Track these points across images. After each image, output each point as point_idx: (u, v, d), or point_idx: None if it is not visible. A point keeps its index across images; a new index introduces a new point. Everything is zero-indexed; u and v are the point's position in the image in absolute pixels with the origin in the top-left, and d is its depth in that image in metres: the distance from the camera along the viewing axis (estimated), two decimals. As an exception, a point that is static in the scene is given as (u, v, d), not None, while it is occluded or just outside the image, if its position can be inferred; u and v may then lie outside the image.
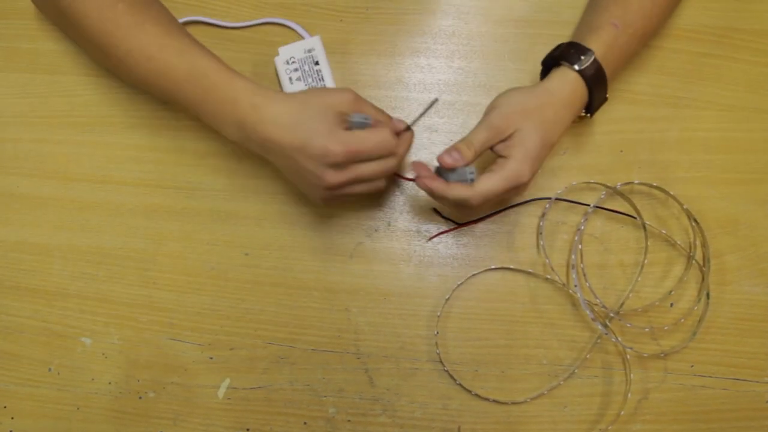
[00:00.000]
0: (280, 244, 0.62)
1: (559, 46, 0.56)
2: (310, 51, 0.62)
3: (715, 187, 0.62)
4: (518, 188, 0.53)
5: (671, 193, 0.61)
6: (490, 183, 0.52)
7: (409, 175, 0.59)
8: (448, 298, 0.60)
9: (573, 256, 0.60)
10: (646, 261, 0.60)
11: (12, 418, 0.60)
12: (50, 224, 0.63)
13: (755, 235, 0.62)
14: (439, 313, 0.60)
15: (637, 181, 0.61)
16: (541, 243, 0.61)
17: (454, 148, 0.53)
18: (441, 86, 0.65)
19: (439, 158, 0.53)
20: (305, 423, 0.59)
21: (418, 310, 0.61)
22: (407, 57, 0.65)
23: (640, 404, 0.59)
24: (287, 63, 0.62)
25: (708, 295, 0.60)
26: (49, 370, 0.60)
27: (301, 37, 0.64)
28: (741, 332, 0.60)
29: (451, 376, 0.59)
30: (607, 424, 0.59)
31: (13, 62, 0.65)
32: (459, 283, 0.61)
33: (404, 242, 0.62)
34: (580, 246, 0.61)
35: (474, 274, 0.61)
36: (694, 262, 0.60)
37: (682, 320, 0.60)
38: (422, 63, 0.65)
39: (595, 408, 0.59)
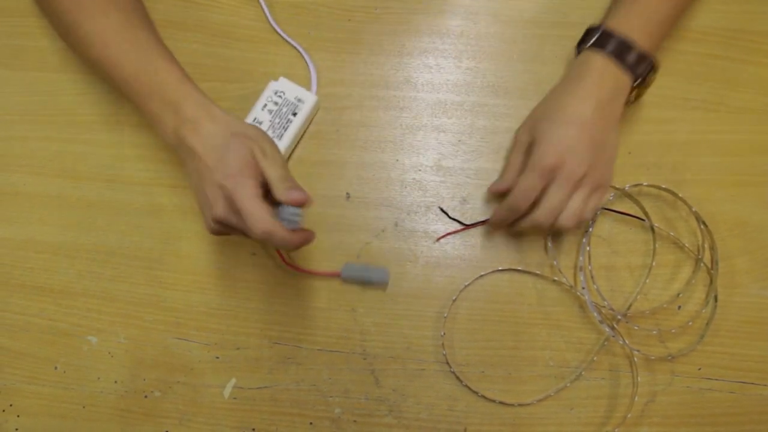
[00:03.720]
0: (286, 244, 0.62)
1: None
2: (300, 101, 0.61)
3: (723, 189, 0.62)
4: (560, 174, 0.53)
5: (680, 195, 0.60)
6: (519, 177, 0.54)
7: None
8: (455, 299, 0.60)
9: (581, 258, 0.60)
10: (654, 263, 0.60)
11: (18, 416, 0.60)
12: (57, 223, 0.62)
13: (764, 238, 0.61)
14: (445, 314, 0.60)
15: (645, 183, 0.61)
16: (549, 245, 0.61)
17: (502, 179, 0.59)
18: (449, 86, 0.65)
19: (489, 187, 0.61)
20: (311, 423, 0.59)
21: (424, 311, 0.60)
22: (415, 57, 0.65)
23: (647, 407, 0.59)
24: (275, 93, 0.62)
25: (716, 297, 0.60)
26: (55, 368, 0.60)
27: (309, 83, 0.64)
28: (749, 335, 0.60)
29: (458, 378, 0.59)
30: (613, 427, 0.58)
31: (21, 60, 0.65)
32: (466, 284, 0.60)
33: (411, 243, 0.62)
34: (588, 248, 0.60)
35: (481, 275, 0.61)
36: (702, 264, 0.60)
37: (690, 323, 0.59)
38: (431, 63, 0.65)
39: (602, 410, 0.59)
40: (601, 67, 0.54)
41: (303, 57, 0.64)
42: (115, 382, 0.60)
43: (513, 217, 0.56)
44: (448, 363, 0.59)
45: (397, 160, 0.63)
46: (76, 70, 0.65)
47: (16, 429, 0.59)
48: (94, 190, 0.63)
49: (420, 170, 0.63)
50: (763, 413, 0.59)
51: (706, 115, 0.63)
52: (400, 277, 0.61)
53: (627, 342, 0.59)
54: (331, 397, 0.59)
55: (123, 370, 0.60)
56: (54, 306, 0.61)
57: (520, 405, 0.59)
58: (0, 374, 0.60)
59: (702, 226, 0.61)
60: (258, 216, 0.47)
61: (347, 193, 0.63)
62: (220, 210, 0.49)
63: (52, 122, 0.64)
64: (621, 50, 0.54)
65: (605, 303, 0.59)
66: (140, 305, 0.61)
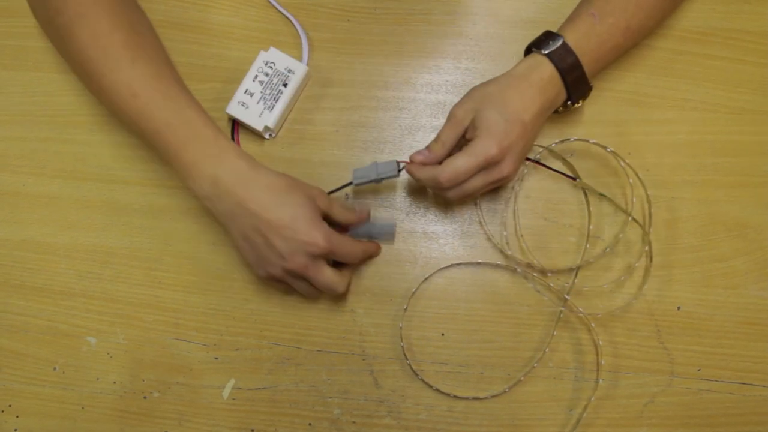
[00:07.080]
0: (286, 245, 0.62)
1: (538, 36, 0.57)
2: (290, 71, 0.62)
3: (722, 190, 0.62)
4: (492, 168, 0.53)
5: (609, 149, 0.61)
6: (456, 159, 0.53)
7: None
8: (413, 292, 0.60)
9: (517, 228, 0.60)
10: (592, 227, 0.61)
11: (17, 416, 0.60)
12: (56, 223, 0.63)
13: (763, 239, 0.61)
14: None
15: (573, 138, 0.62)
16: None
17: (426, 147, 0.56)
18: (448, 87, 0.65)
19: (411, 156, 0.55)
20: (310, 424, 0.59)
21: (423, 311, 0.60)
22: (414, 58, 0.65)
23: (646, 408, 0.59)
24: (265, 64, 0.62)
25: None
26: (54, 369, 0.60)
27: (300, 54, 0.64)
28: (748, 336, 0.60)
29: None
30: (613, 428, 0.58)
31: (21, 61, 0.65)
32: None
33: (410, 244, 0.62)
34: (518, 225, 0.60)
35: (443, 268, 0.61)
36: (631, 219, 0.61)
37: (623, 278, 0.60)
38: (430, 64, 0.65)
39: (602, 412, 0.59)
40: (549, 77, 0.55)
41: (300, 48, 0.65)
42: (114, 382, 0.60)
43: (430, 186, 0.55)
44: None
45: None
46: (75, 71, 0.65)
47: (15, 429, 0.59)
48: (93, 191, 0.63)
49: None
50: (763, 414, 0.59)
51: (705, 116, 0.63)
52: (398, 278, 0.61)
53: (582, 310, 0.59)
54: (330, 397, 0.59)
55: (122, 371, 0.60)
56: (53, 306, 0.61)
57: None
58: (-1, 375, 0.60)
59: (630, 180, 0.61)
60: (357, 245, 0.56)
61: (346, 195, 0.63)
62: (297, 262, 0.51)
63: (51, 123, 0.64)
64: (570, 71, 0.55)
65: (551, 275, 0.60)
66: (139, 306, 0.61)
